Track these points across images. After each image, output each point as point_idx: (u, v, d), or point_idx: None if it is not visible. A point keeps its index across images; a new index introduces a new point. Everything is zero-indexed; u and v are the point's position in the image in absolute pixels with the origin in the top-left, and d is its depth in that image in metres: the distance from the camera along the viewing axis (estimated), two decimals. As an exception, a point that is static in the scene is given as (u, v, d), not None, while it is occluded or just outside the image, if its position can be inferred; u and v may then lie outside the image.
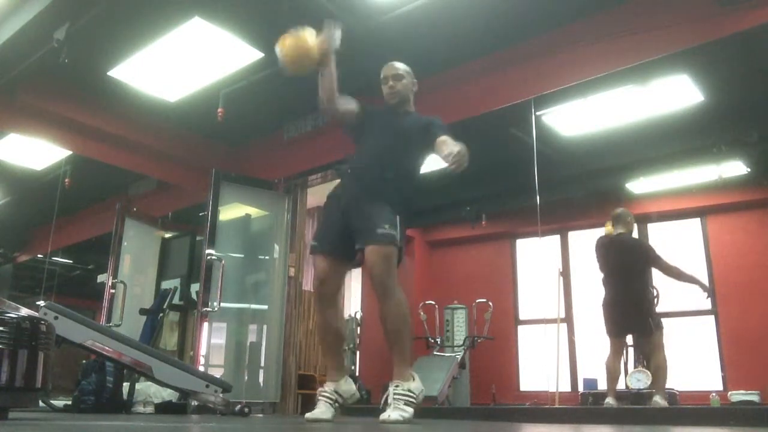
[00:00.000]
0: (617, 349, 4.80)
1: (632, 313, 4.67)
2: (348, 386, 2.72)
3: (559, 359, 5.85)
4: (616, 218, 4.91)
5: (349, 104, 2.95)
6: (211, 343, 5.29)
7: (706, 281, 6.99)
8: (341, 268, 2.81)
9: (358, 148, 3.00)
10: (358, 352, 7.55)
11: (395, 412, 2.45)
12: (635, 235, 5.21)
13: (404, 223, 2.73)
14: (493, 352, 7.52)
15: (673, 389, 6.22)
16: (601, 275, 4.89)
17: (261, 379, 5.68)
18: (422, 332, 7.14)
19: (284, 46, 2.72)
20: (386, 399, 2.54)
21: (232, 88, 5.09)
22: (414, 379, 2.57)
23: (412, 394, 2.50)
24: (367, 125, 2.96)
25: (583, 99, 5.14)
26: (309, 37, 2.74)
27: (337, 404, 2.64)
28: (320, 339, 2.94)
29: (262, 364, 5.69)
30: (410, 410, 2.46)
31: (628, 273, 4.74)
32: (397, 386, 2.52)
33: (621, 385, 6.16)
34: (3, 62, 4.59)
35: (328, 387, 2.68)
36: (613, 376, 4.73)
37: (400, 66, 3.04)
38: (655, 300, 5.04)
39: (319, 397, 2.66)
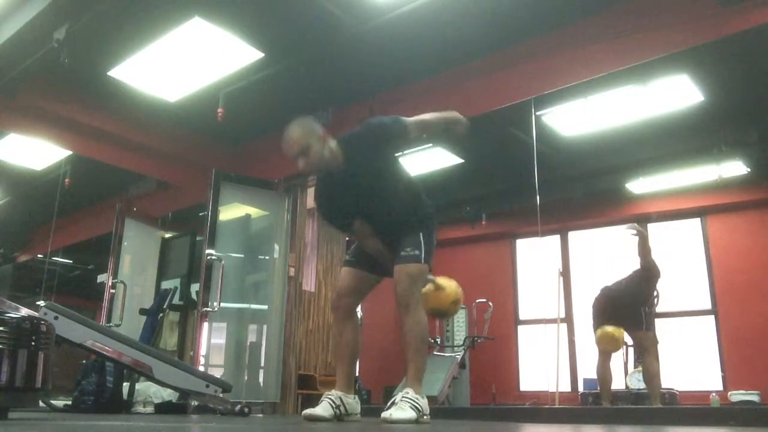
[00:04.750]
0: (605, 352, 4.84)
1: (624, 304, 4.74)
2: (354, 403, 2.73)
3: (559, 359, 5.84)
4: None
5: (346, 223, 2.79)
6: (211, 343, 5.29)
7: (706, 281, 7.07)
8: (365, 287, 2.80)
9: (359, 219, 2.75)
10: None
11: (398, 411, 2.44)
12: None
13: (429, 237, 2.70)
14: (493, 352, 7.52)
15: (673, 389, 6.22)
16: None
17: (261, 379, 5.67)
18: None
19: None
20: (393, 400, 2.54)
21: (232, 88, 5.09)
22: (424, 398, 2.58)
23: (419, 405, 2.51)
24: (335, 202, 2.71)
25: (584, 99, 5.14)
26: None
27: (338, 411, 2.64)
28: (335, 350, 2.94)
29: (262, 364, 5.69)
30: (414, 414, 2.46)
31: (631, 276, 4.85)
32: (407, 392, 2.53)
33: (621, 386, 6.19)
34: (3, 62, 4.58)
35: (335, 393, 2.68)
36: (604, 381, 4.75)
37: (297, 135, 2.50)
38: (655, 300, 5.04)
39: (323, 399, 2.66)
